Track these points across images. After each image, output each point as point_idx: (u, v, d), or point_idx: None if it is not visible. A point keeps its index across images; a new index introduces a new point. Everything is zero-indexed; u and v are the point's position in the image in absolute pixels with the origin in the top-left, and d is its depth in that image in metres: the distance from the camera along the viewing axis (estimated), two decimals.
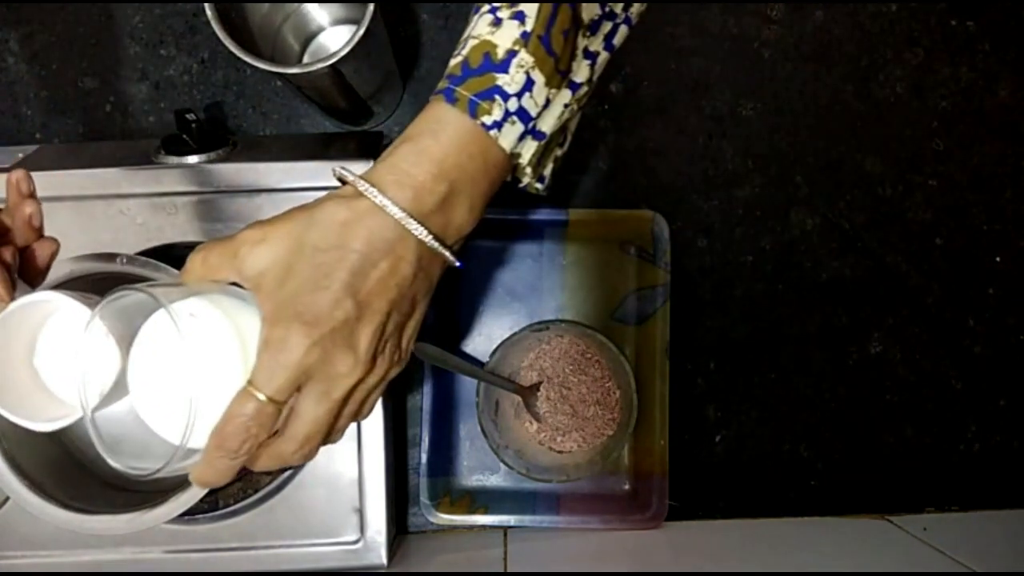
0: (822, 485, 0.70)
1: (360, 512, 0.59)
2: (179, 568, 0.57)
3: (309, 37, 0.67)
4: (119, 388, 0.36)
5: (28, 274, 0.39)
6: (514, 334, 0.64)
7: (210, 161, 0.60)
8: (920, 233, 0.71)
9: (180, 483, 0.51)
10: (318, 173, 0.60)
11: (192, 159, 0.59)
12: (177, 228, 0.59)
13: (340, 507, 0.58)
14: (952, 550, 0.60)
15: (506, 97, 0.36)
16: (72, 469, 0.58)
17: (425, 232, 0.35)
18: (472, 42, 0.37)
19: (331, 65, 0.51)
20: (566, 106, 0.39)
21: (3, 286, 0.36)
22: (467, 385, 0.68)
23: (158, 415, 0.34)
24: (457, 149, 0.36)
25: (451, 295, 0.68)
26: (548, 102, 0.38)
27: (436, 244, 0.36)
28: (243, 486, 0.59)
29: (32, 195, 0.39)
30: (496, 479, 0.68)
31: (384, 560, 0.59)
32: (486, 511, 0.66)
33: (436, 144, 0.35)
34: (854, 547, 0.64)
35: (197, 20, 0.70)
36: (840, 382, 0.71)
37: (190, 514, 0.54)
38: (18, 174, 0.39)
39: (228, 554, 0.57)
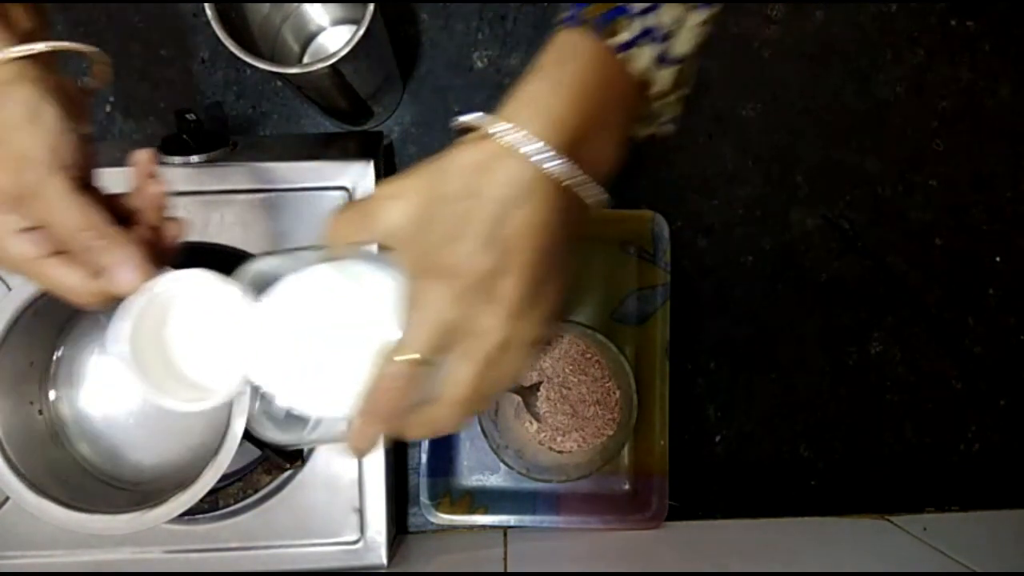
0: (822, 485, 0.70)
1: (360, 512, 0.58)
2: (179, 568, 0.57)
3: (309, 37, 0.67)
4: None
5: (158, 254, 0.38)
6: None
7: (210, 161, 0.60)
8: (920, 233, 0.71)
9: (180, 483, 0.51)
10: (318, 173, 0.59)
11: (192, 159, 0.59)
12: None
13: (340, 507, 0.58)
14: (952, 550, 0.60)
15: (633, 16, 0.32)
16: (72, 469, 0.58)
17: (567, 168, 0.31)
18: None
19: (331, 65, 0.51)
20: (703, 24, 0.34)
21: (145, 263, 0.36)
22: None
23: (291, 387, 0.34)
24: (591, 72, 0.32)
25: None
26: (679, 21, 0.33)
27: (582, 177, 0.31)
28: (243, 486, 0.59)
29: (154, 175, 0.39)
30: (496, 479, 0.68)
31: (384, 560, 0.59)
32: (486, 511, 0.66)
33: (567, 72, 0.31)
34: (854, 547, 0.64)
35: (197, 20, 0.70)
36: (840, 382, 0.70)
37: (190, 514, 0.54)
38: (143, 154, 0.38)
39: (228, 554, 0.57)
